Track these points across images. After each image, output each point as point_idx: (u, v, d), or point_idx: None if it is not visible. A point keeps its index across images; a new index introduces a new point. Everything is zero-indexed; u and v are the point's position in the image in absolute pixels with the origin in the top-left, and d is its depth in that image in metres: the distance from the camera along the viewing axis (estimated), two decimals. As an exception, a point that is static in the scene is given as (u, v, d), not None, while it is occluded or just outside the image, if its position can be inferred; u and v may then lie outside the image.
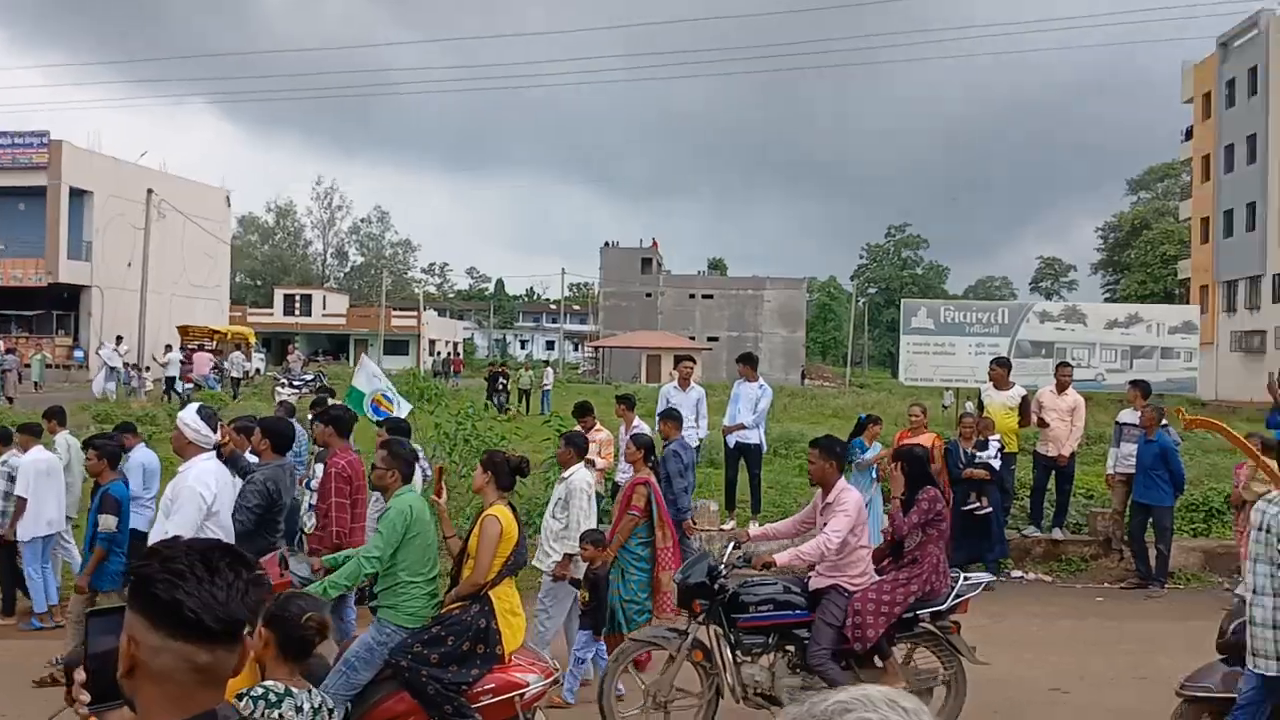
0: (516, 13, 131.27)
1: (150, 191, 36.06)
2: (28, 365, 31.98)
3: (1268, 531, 5.35)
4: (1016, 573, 11.81)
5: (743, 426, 12.01)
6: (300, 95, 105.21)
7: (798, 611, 6.51)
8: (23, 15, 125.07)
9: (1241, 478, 10.48)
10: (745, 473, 12.29)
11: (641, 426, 11.33)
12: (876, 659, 6.55)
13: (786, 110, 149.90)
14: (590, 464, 10.54)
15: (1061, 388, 12.26)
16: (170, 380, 30.40)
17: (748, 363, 12.55)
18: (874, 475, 11.15)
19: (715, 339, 66.42)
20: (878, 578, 6.62)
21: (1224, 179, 49.67)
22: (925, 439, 11.29)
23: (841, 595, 6.45)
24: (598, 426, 10.96)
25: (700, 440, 12.36)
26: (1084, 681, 8.00)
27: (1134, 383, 12.31)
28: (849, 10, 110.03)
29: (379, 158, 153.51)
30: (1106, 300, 63.16)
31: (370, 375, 9.78)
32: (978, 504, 11.08)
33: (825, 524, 6.51)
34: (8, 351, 30.86)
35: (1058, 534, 12.17)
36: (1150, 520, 11.18)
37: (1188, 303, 42.47)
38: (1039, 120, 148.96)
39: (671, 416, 10.05)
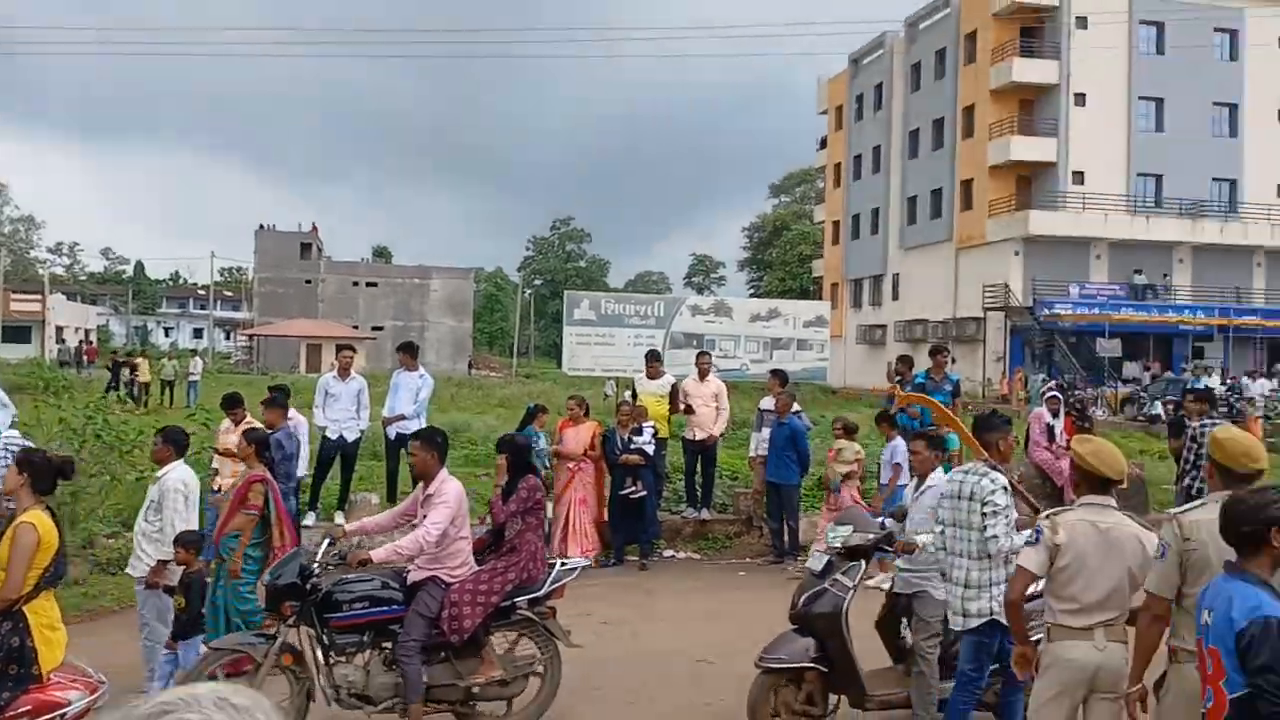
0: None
1: None
2: None
3: (970, 499, 5.73)
4: (669, 552, 12.46)
5: (403, 417, 11.83)
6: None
7: (394, 607, 6.31)
8: None
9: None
10: (406, 464, 12.11)
11: (299, 420, 10.91)
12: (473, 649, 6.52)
13: (454, 99, 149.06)
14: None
15: (702, 375, 13.03)
16: None
17: (408, 351, 12.39)
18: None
19: (380, 328, 64.91)
20: (477, 568, 6.59)
21: (853, 186, 54.78)
22: (586, 428, 11.71)
23: (439, 586, 6.35)
24: (249, 420, 10.43)
25: (361, 432, 12.08)
26: (726, 651, 8.54)
27: (773, 372, 13.31)
28: (516, 2, 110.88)
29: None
30: (751, 296, 67.59)
31: None
32: (633, 488, 11.58)
33: (425, 516, 6.37)
34: None
35: (705, 514, 12.94)
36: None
37: (820, 299, 46.38)
38: (695, 123, 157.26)
39: (275, 404, 9.72)
